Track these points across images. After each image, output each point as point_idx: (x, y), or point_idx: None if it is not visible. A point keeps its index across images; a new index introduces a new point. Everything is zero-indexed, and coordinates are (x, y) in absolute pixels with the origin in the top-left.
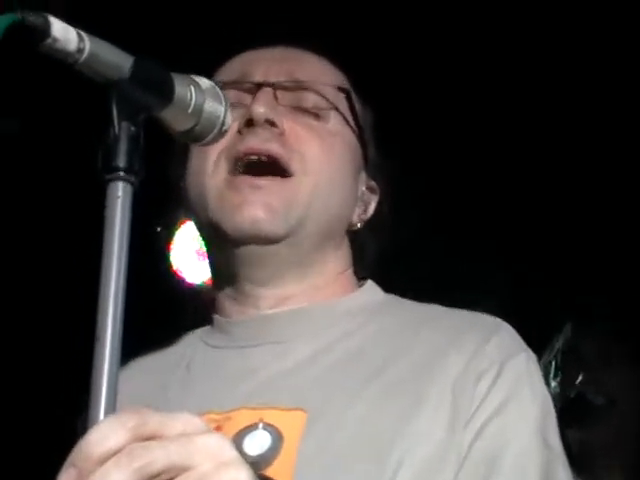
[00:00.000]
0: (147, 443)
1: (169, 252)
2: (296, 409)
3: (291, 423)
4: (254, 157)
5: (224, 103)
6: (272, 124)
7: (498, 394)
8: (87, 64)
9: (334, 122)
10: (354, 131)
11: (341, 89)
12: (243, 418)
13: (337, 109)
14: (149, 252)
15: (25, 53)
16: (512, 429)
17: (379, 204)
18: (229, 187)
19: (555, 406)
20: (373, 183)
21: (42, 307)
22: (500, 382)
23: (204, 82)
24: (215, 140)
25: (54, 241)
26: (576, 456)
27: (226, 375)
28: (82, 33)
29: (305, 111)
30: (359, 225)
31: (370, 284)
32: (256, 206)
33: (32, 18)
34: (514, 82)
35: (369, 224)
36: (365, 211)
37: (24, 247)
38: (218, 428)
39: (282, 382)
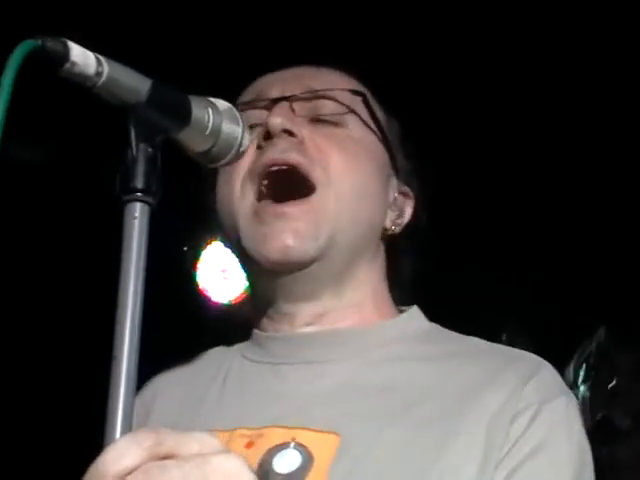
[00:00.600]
0: (163, 462)
1: (196, 272)
2: (329, 432)
3: (323, 445)
4: (275, 168)
5: (241, 124)
6: (290, 134)
7: (533, 437)
8: (105, 87)
9: (354, 127)
10: (377, 135)
11: (356, 92)
12: (275, 436)
13: (355, 112)
14: (176, 272)
15: (46, 79)
16: (545, 475)
17: (415, 210)
18: (255, 217)
19: (583, 410)
20: (406, 188)
21: (64, 326)
22: (536, 425)
23: (221, 104)
24: (233, 161)
25: (77, 263)
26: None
27: (260, 391)
28: (101, 57)
29: (323, 120)
30: (395, 229)
31: (414, 310)
32: (283, 236)
33: (51, 43)
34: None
35: (406, 230)
36: (400, 216)
37: (47, 269)
38: (250, 444)
39: (317, 404)
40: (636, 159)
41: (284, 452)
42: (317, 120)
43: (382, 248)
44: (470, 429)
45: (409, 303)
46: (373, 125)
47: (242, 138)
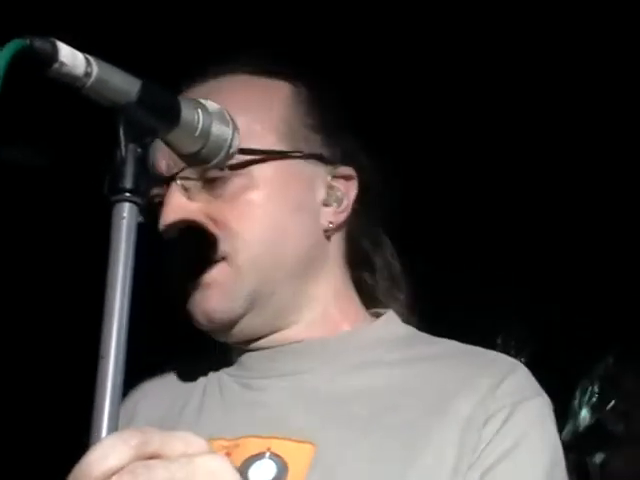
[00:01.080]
0: (149, 462)
1: None
2: (305, 442)
3: (298, 455)
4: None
5: (231, 126)
6: (185, 224)
7: (506, 438)
8: (95, 88)
9: (237, 176)
10: (269, 160)
11: None
12: (252, 446)
13: (232, 165)
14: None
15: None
16: (519, 475)
17: (362, 184)
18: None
19: (581, 432)
20: (344, 170)
21: (56, 324)
22: (509, 426)
23: (211, 105)
24: (223, 163)
25: (72, 264)
26: None
27: (237, 402)
28: (90, 57)
29: (211, 182)
30: (339, 219)
31: (389, 314)
32: (201, 302)
33: (39, 43)
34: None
35: (360, 209)
36: (340, 205)
37: (39, 270)
38: (227, 454)
39: (293, 414)
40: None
41: (259, 462)
42: (207, 184)
43: (335, 250)
44: (443, 435)
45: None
46: (258, 157)
47: (232, 139)
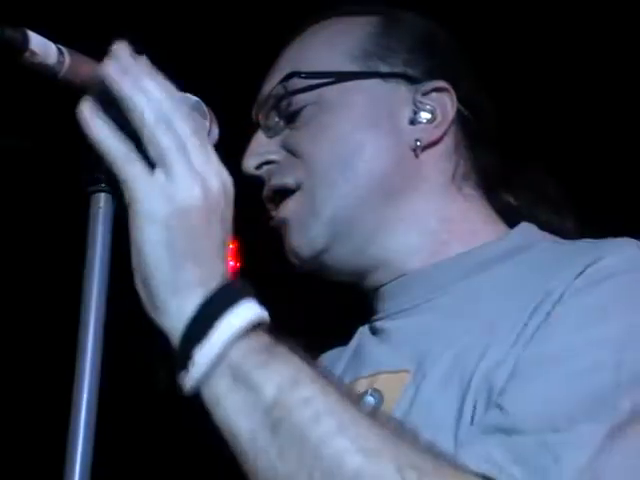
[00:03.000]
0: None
1: None
2: (401, 371)
3: (394, 385)
4: (271, 196)
5: (209, 118)
6: (265, 164)
7: (578, 310)
8: (68, 77)
9: (310, 104)
10: (341, 82)
11: (288, 77)
12: (359, 387)
13: (301, 91)
14: None
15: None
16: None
17: (461, 97)
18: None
19: None
20: (436, 83)
21: (32, 309)
22: (585, 297)
23: (188, 97)
24: None
25: (49, 254)
26: None
27: (361, 347)
28: (62, 48)
29: (292, 119)
30: (429, 138)
31: (521, 228)
32: (286, 241)
33: (10, 32)
34: None
35: (460, 122)
36: (433, 121)
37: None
38: None
39: (397, 346)
40: None
41: (362, 402)
42: (287, 119)
43: (432, 168)
44: (522, 310)
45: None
46: (327, 80)
47: (210, 131)
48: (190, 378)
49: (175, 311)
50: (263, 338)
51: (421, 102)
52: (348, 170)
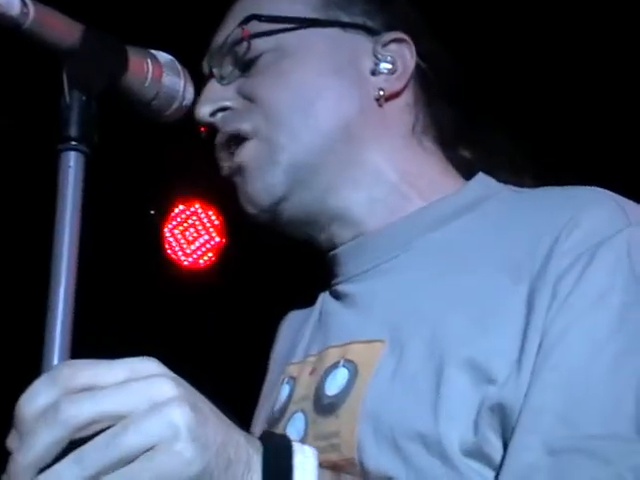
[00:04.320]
0: (75, 395)
1: (164, 235)
2: (375, 341)
3: (368, 356)
4: (225, 143)
5: (183, 77)
6: (219, 110)
7: (583, 295)
8: (32, 30)
9: (267, 49)
10: (299, 29)
11: (245, 20)
12: (330, 357)
13: (258, 35)
14: (144, 237)
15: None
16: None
17: (419, 50)
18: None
19: None
20: (394, 34)
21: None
22: (588, 277)
23: (162, 55)
24: (176, 115)
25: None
26: None
27: (327, 314)
28: (27, 0)
29: (244, 63)
30: (395, 86)
31: (478, 178)
32: (243, 189)
33: None
34: None
35: (420, 73)
36: (394, 72)
37: None
38: (312, 370)
39: (367, 316)
40: None
41: (334, 372)
42: (242, 66)
43: (395, 119)
44: (513, 296)
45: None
46: (286, 26)
47: (184, 91)
48: None
49: None
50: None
51: (381, 53)
52: (309, 116)
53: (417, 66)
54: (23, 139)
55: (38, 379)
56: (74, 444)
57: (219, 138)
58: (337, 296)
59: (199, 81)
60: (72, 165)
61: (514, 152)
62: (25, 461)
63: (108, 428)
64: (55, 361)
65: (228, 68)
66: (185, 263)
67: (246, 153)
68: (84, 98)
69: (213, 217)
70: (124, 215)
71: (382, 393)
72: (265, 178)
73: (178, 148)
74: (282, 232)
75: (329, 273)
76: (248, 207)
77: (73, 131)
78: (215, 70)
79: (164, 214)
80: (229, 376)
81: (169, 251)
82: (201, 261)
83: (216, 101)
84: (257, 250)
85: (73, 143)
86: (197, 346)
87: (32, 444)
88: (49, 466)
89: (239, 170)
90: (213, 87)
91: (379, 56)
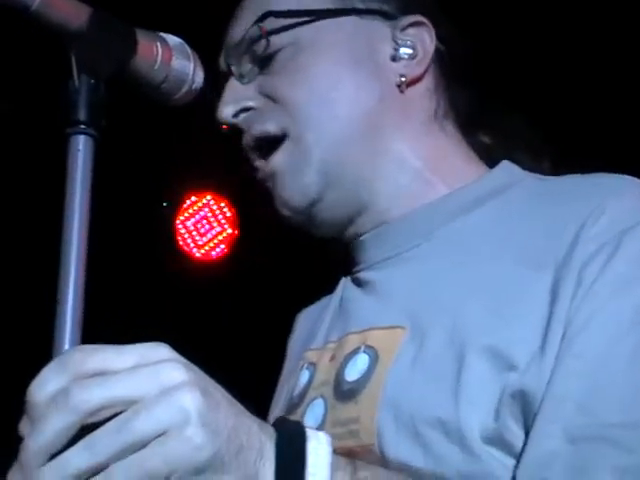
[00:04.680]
0: (85, 380)
1: (176, 227)
2: (396, 327)
3: (389, 342)
4: (253, 145)
5: (192, 60)
6: (242, 111)
7: (607, 283)
8: (40, 11)
9: (285, 45)
10: (315, 22)
11: (262, 18)
12: (350, 343)
13: (275, 32)
14: (157, 229)
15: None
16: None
17: (438, 33)
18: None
19: None
20: (412, 18)
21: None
22: (613, 265)
23: (171, 39)
24: (185, 98)
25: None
26: None
27: (348, 301)
28: None
29: (262, 60)
30: (412, 74)
31: (503, 166)
32: (277, 193)
33: None
34: None
35: (440, 56)
36: (414, 57)
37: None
38: (332, 357)
39: (388, 302)
40: None
41: (355, 358)
42: (262, 64)
43: (417, 106)
44: (536, 283)
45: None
46: (302, 19)
47: (194, 75)
48: None
49: None
50: (345, 468)
51: (401, 38)
52: (332, 110)
53: (436, 50)
54: (30, 124)
55: (48, 365)
56: (85, 430)
57: (246, 140)
58: (358, 283)
59: (208, 65)
60: (81, 149)
61: (532, 136)
62: (36, 446)
63: (118, 414)
64: (66, 346)
65: (247, 66)
66: (197, 255)
67: (278, 159)
68: (92, 81)
69: (225, 209)
70: (136, 207)
71: (402, 379)
72: (299, 180)
73: (190, 140)
74: (313, 233)
75: (350, 261)
76: (284, 210)
77: (82, 115)
78: (234, 68)
79: (176, 206)
80: (241, 369)
81: (181, 243)
82: (213, 253)
83: (239, 101)
84: (269, 242)
85: (82, 127)
86: (209, 338)
87: (43, 430)
88: (60, 452)
89: (273, 175)
90: (234, 86)
91: (399, 41)
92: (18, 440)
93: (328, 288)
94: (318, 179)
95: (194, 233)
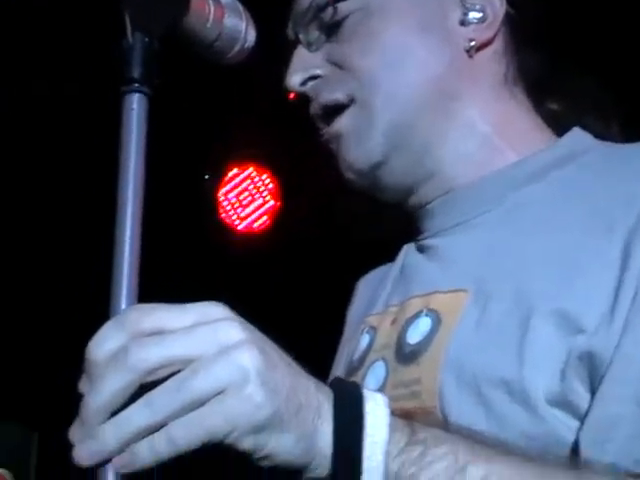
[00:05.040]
0: (143, 339)
1: (218, 199)
2: (459, 290)
3: (452, 305)
4: (320, 114)
5: (244, 18)
6: (310, 79)
7: None
8: None
9: (354, 11)
10: None
11: None
12: (413, 307)
13: None
14: (198, 201)
15: None
16: None
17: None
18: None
19: None
20: None
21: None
22: None
23: None
24: (238, 57)
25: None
26: None
27: (410, 266)
28: None
29: (335, 31)
30: (481, 38)
31: (573, 133)
32: (342, 156)
33: None
34: None
35: (509, 25)
36: (484, 21)
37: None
38: (393, 320)
39: (451, 266)
40: None
41: (416, 322)
42: (329, 31)
43: (486, 70)
44: (605, 252)
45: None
46: None
47: (246, 33)
48: None
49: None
50: (402, 430)
51: (469, 2)
52: (401, 76)
53: (505, 13)
54: (85, 84)
55: (106, 323)
56: (143, 388)
57: (314, 109)
58: (421, 250)
59: (261, 27)
60: (135, 107)
61: (603, 99)
62: (96, 404)
63: (176, 373)
64: (123, 306)
65: (314, 34)
66: (239, 227)
67: (343, 121)
68: (146, 39)
69: (267, 180)
70: (178, 180)
71: (466, 341)
72: (364, 143)
73: (231, 111)
74: (378, 197)
75: (414, 229)
76: (347, 173)
77: (136, 72)
78: (302, 36)
79: (218, 178)
80: (288, 341)
81: (223, 215)
82: (255, 225)
83: (307, 69)
84: (312, 213)
85: (136, 85)
86: (253, 312)
87: (102, 388)
88: (119, 410)
89: (337, 138)
90: (301, 54)
91: (467, 5)
92: (78, 398)
93: (386, 257)
94: (384, 142)
95: (236, 205)
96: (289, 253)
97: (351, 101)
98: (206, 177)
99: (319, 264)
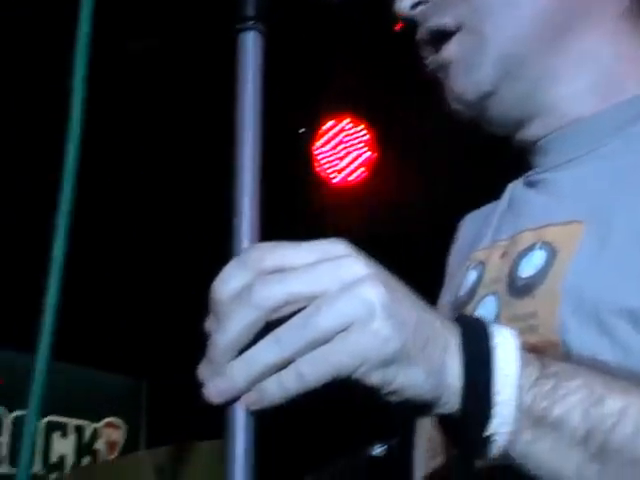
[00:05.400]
0: (267, 277)
1: (314, 154)
2: (573, 222)
3: (567, 237)
4: (427, 39)
5: None
6: (419, 4)
7: None
8: None
9: None
10: None
11: None
12: (525, 240)
13: None
14: (294, 155)
15: None
16: None
17: None
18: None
19: None
20: None
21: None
22: None
23: None
24: None
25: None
26: None
27: (520, 202)
28: None
29: None
30: None
31: None
32: (449, 86)
33: None
34: None
35: None
36: None
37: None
38: (503, 254)
39: (567, 199)
40: None
41: (530, 255)
42: None
43: (606, 1)
44: None
45: None
46: None
47: None
48: (494, 447)
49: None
50: (533, 363)
51: None
52: (513, 4)
53: None
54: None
55: (230, 262)
56: (269, 326)
57: (420, 34)
58: (531, 184)
59: None
60: (251, 46)
61: None
62: (224, 342)
63: (301, 310)
64: (244, 245)
65: None
66: (335, 180)
67: (452, 48)
68: None
69: (363, 131)
70: (273, 133)
71: (585, 272)
72: (472, 72)
73: (325, 64)
74: (485, 129)
75: (524, 165)
76: (454, 104)
77: (250, 10)
78: None
79: (313, 131)
80: None
81: (318, 169)
82: (351, 178)
83: None
84: (408, 162)
85: (251, 22)
86: None
87: (229, 326)
88: (246, 348)
89: (444, 66)
90: None
91: None
92: (205, 336)
93: (489, 196)
94: (493, 72)
95: (332, 158)
96: (386, 204)
97: (459, 28)
98: (301, 131)
99: (419, 213)
